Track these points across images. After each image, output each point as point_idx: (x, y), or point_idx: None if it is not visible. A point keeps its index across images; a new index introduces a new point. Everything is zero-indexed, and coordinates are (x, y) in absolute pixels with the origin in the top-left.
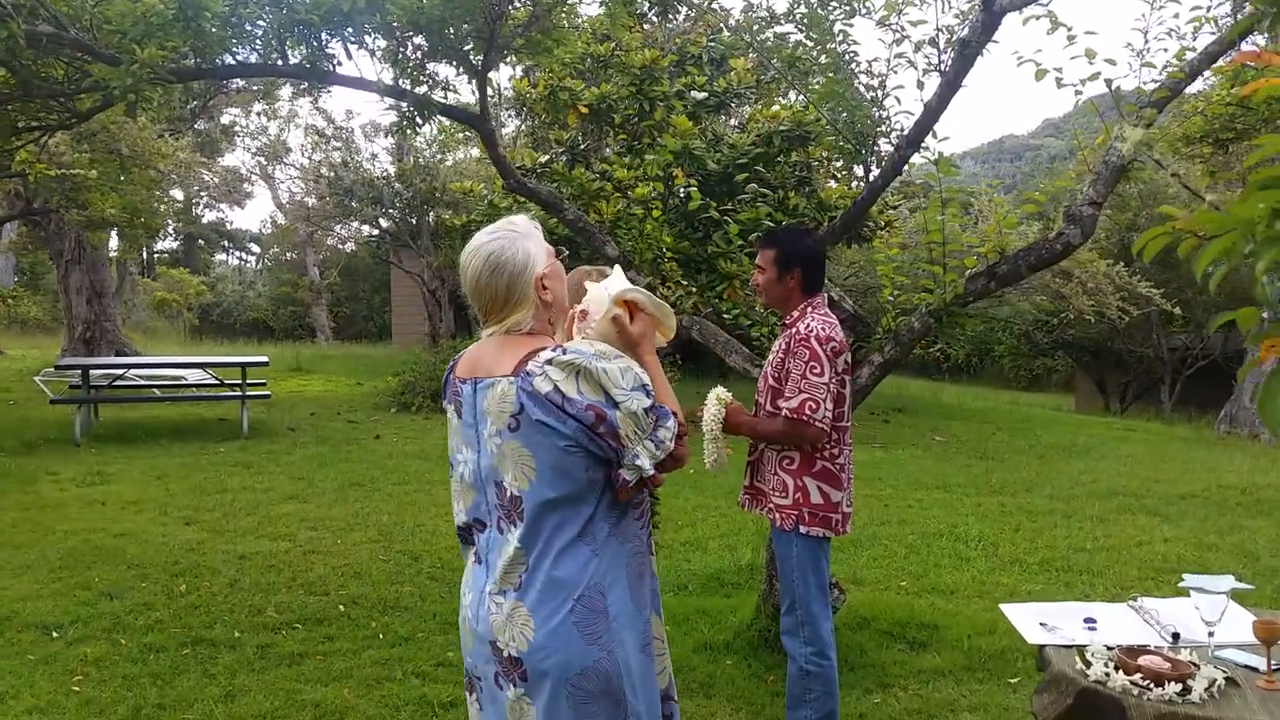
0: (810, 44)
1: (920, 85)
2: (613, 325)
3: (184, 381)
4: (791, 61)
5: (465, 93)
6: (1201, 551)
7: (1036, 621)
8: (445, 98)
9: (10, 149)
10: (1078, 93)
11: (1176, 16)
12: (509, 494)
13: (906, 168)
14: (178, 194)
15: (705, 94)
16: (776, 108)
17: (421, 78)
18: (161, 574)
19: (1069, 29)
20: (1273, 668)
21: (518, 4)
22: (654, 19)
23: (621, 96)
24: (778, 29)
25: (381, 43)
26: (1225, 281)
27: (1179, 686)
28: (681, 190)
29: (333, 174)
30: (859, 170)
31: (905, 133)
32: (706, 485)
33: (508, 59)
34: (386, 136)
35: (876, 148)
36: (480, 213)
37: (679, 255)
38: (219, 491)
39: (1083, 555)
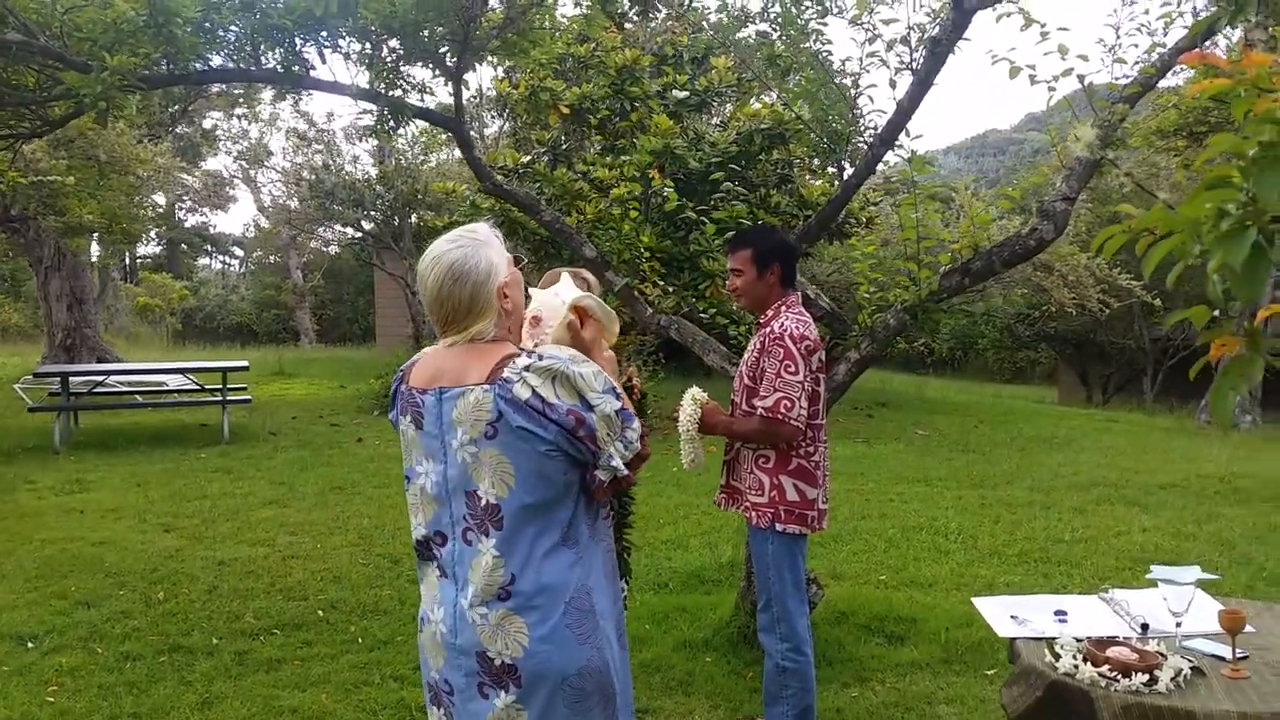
0: (784, 44)
1: (893, 84)
2: (567, 331)
3: (165, 387)
4: (771, 60)
5: (443, 95)
6: (1179, 541)
7: (1008, 614)
8: (422, 100)
9: None
10: (1051, 89)
11: (1147, 13)
12: (484, 502)
13: (884, 165)
14: (159, 199)
15: (687, 93)
16: (757, 106)
17: (397, 81)
18: (139, 581)
19: (1042, 25)
20: (1238, 656)
21: (493, 6)
22: (634, 18)
23: (601, 97)
24: (756, 27)
25: (356, 46)
26: (1193, 274)
27: (1145, 677)
28: (663, 190)
29: (314, 177)
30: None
31: (879, 131)
32: (689, 483)
33: (484, 61)
34: (362, 140)
35: (851, 146)
36: (463, 213)
37: (661, 254)
38: (199, 498)
39: (1061, 546)
